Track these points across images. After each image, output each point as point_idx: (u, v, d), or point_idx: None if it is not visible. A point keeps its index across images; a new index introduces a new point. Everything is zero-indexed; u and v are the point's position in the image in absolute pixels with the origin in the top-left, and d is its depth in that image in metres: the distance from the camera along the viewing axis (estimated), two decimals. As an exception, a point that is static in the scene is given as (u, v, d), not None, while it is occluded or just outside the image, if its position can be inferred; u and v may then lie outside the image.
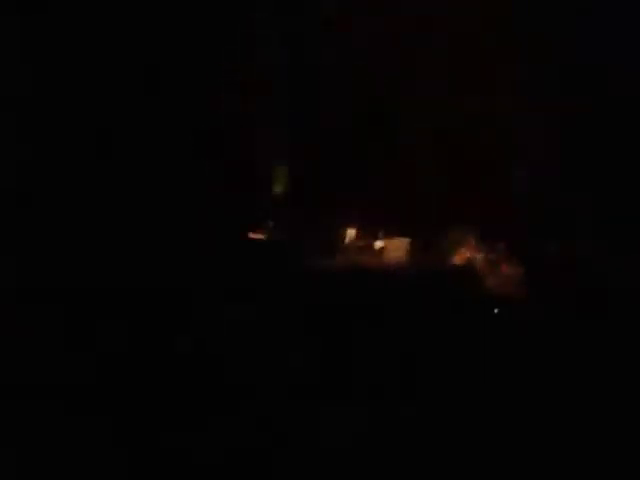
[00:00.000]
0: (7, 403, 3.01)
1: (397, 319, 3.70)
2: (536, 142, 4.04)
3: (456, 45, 3.96)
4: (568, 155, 4.08)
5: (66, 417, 3.02)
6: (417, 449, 3.11)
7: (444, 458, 3.10)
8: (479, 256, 4.03)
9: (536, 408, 3.34)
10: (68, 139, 3.65)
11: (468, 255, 4.06)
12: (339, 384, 3.37)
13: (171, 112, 3.74)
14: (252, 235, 3.95)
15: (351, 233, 4.11)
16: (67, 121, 3.64)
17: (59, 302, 3.35)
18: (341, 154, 4.05)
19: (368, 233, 4.11)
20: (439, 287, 3.95)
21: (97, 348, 3.29)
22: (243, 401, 3.22)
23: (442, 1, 3.98)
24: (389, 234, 4.12)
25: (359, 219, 4.14)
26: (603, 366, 3.53)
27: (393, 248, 4.11)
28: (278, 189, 3.98)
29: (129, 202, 3.70)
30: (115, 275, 3.54)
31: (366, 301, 3.78)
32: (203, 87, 3.85)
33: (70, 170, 3.62)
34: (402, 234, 4.12)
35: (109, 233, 3.61)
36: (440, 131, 4.05)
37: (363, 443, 3.07)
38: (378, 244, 4.10)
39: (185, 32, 3.79)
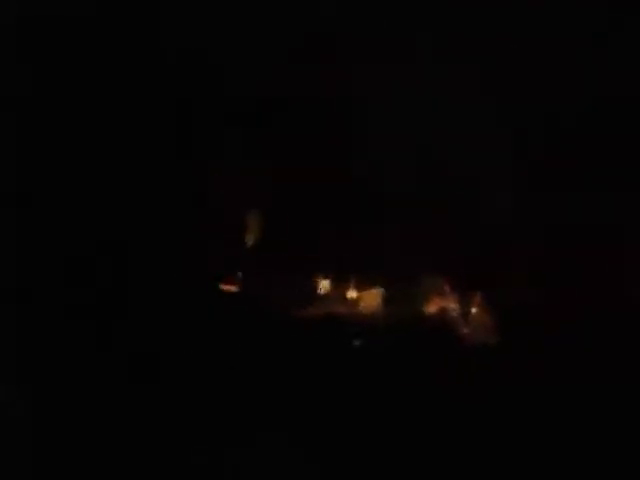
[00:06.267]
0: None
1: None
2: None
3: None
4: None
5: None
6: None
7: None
8: (453, 305, 3.90)
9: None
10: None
11: (442, 305, 3.94)
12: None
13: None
14: (223, 286, 4.01)
15: (325, 283, 4.10)
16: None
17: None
18: (315, 204, 4.11)
19: (342, 283, 4.09)
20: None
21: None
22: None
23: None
24: (362, 284, 4.08)
25: (333, 269, 4.13)
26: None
27: (367, 298, 4.05)
28: (251, 239, 4.05)
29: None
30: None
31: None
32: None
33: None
34: (375, 284, 4.07)
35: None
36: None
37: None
38: (352, 294, 4.06)
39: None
